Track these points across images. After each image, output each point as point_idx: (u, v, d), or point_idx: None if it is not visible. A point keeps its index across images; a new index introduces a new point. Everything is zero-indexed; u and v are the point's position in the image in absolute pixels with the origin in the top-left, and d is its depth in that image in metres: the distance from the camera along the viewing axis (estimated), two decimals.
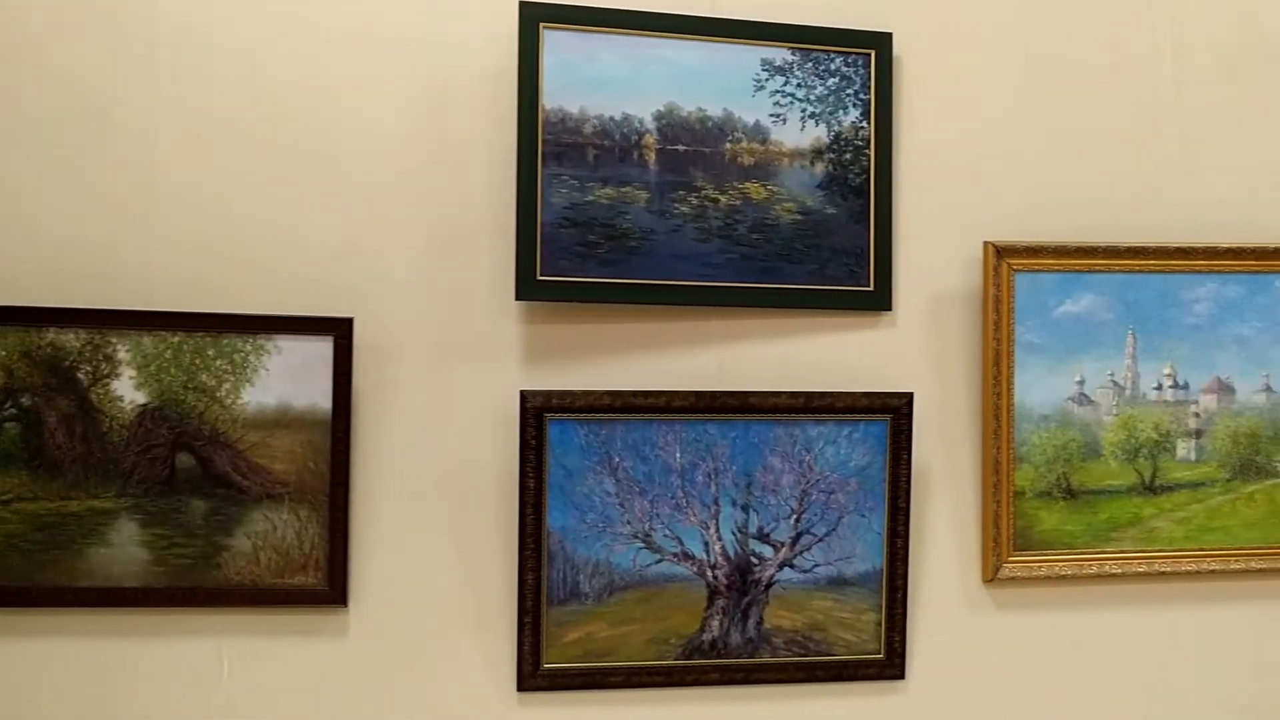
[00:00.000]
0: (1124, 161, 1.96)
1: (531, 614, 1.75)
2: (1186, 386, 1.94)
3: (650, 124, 1.80)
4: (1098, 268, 1.90)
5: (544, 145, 1.75)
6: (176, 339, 1.68)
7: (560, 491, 1.75)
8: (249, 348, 1.69)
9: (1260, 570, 1.96)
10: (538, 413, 1.73)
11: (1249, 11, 2.01)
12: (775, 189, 1.84)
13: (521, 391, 1.73)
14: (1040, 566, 1.91)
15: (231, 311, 1.70)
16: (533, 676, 1.77)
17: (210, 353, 1.69)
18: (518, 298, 1.74)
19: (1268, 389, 1.95)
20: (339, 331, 1.71)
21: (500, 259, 1.78)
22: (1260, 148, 2.00)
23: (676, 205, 1.80)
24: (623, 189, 1.78)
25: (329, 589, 1.73)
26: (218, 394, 1.69)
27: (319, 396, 1.71)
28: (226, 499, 1.69)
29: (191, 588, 1.69)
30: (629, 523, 1.77)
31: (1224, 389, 1.95)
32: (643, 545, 1.78)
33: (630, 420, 1.76)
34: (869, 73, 1.88)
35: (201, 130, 1.74)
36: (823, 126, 1.86)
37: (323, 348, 1.71)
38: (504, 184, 1.77)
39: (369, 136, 1.77)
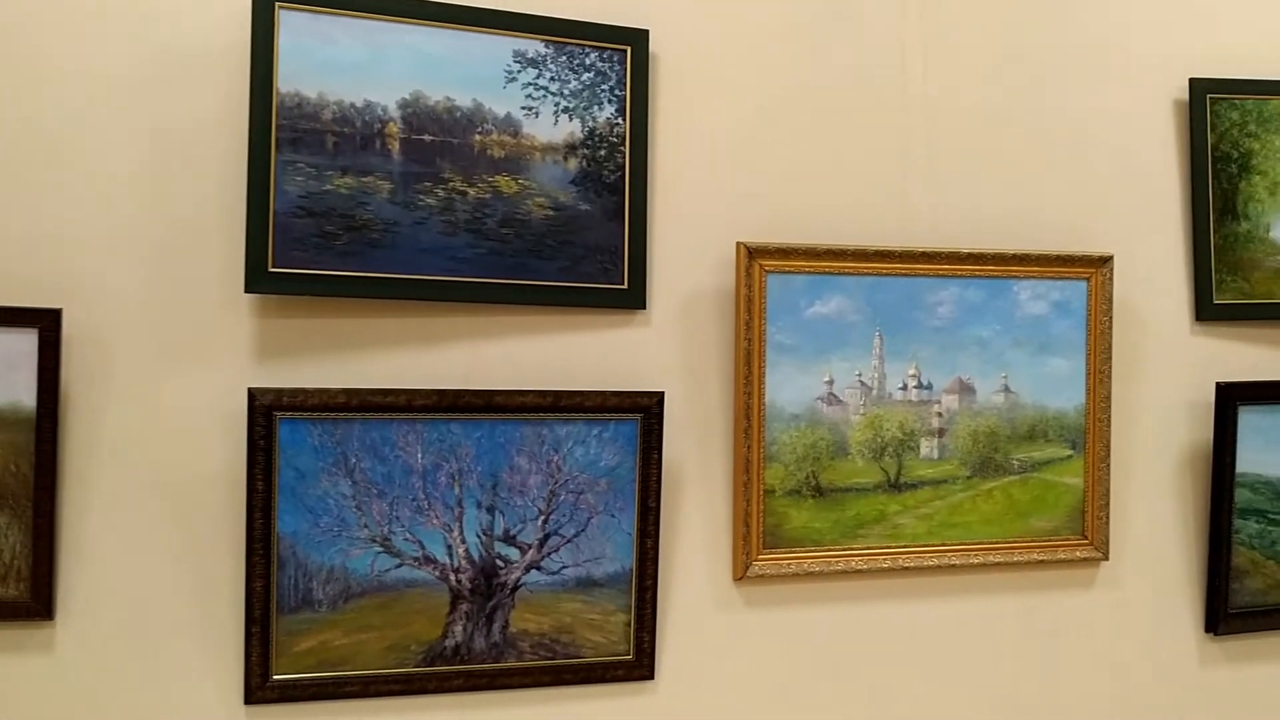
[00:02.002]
0: (874, 166, 2.00)
1: (260, 623, 1.67)
2: (930, 387, 1.99)
3: (394, 112, 1.73)
4: (847, 270, 1.93)
5: (278, 130, 1.67)
6: None
7: (292, 494, 1.67)
8: None
9: (997, 564, 2.03)
10: (267, 411, 1.64)
11: (997, 19, 2.08)
12: (527, 183, 1.80)
13: (250, 389, 1.64)
14: (789, 564, 1.93)
15: None
16: (261, 689, 1.68)
17: None
18: (247, 290, 1.65)
19: (1006, 389, 2.03)
20: (45, 324, 1.59)
21: (230, 249, 1.68)
22: (1003, 154, 2.07)
23: (422, 197, 1.74)
24: (364, 178, 1.71)
25: (32, 601, 1.60)
26: None
27: (22, 394, 1.58)
28: None
29: None
30: (367, 526, 1.70)
31: (965, 389, 2.01)
32: (381, 549, 1.71)
33: (368, 420, 1.69)
34: (625, 69, 1.85)
35: None
36: (577, 121, 1.83)
37: (26, 341, 1.58)
38: (235, 170, 1.67)
39: (83, 115, 1.65)
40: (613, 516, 1.82)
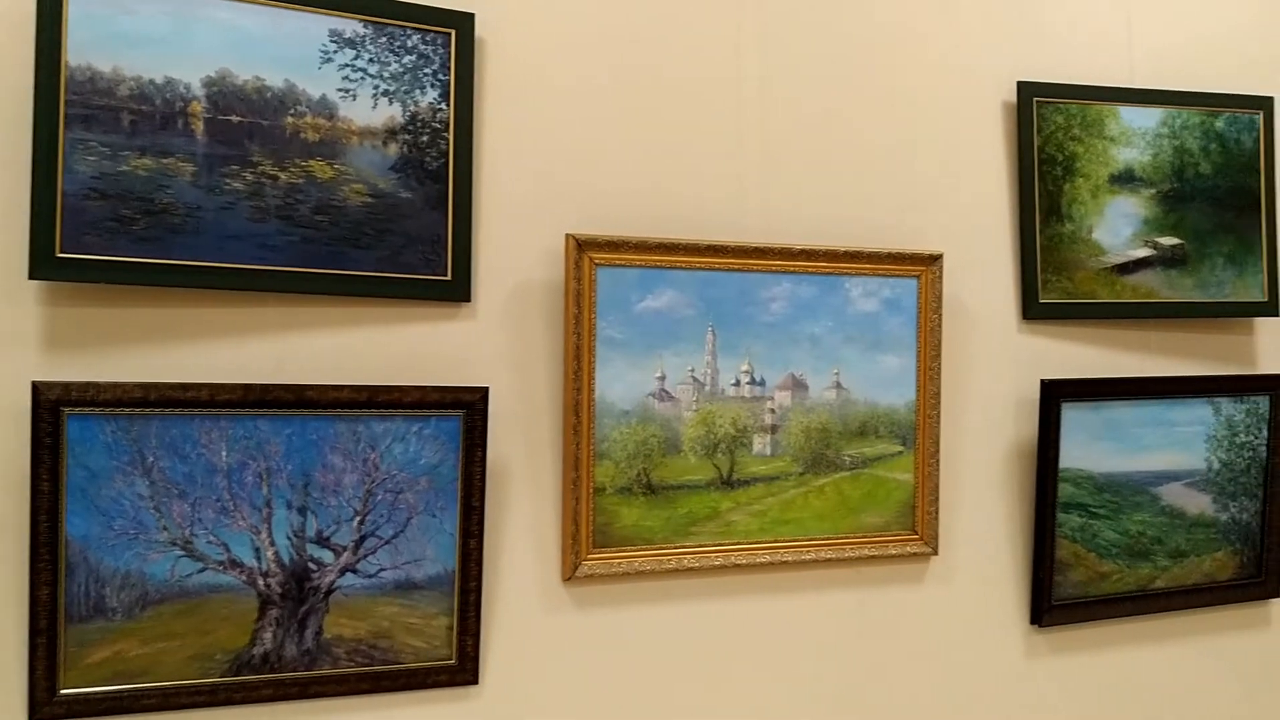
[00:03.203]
0: (707, 160, 1.99)
1: (46, 634, 1.55)
2: (763, 383, 1.98)
3: (199, 90, 1.63)
4: (679, 264, 1.91)
5: (68, 106, 1.56)
6: None
7: (82, 495, 1.56)
8: None
9: (829, 560, 2.04)
10: (53, 407, 1.53)
11: (831, 20, 2.09)
12: (343, 168, 1.72)
13: (34, 383, 1.52)
14: (620, 563, 1.89)
15: None
16: (48, 704, 1.56)
17: None
18: (31, 276, 1.54)
19: (838, 386, 2.03)
20: None
21: (12, 233, 1.56)
22: (836, 152, 2.08)
23: (229, 181, 1.65)
24: (164, 160, 1.61)
25: None
26: None
27: None
28: None
29: None
30: (166, 529, 1.60)
31: (798, 386, 2.01)
32: (182, 553, 1.62)
33: (168, 416, 1.60)
34: (449, 53, 1.79)
35: None
36: (397, 106, 1.76)
37: None
38: (18, 147, 1.55)
39: None
40: (434, 516, 1.76)
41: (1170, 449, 2.28)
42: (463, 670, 1.79)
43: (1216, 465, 2.32)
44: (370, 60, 1.74)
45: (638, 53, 1.95)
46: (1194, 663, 2.35)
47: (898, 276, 2.06)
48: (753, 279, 1.96)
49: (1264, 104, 2.37)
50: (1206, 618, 2.36)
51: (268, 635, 1.67)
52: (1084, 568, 2.21)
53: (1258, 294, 2.36)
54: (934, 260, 2.07)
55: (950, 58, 2.18)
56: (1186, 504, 2.30)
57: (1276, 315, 2.38)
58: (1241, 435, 2.33)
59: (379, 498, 1.72)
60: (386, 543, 1.73)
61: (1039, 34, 2.26)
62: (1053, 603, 2.18)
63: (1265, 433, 2.35)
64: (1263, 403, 2.34)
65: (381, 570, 1.73)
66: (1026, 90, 2.19)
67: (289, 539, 1.67)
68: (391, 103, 1.76)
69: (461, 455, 1.76)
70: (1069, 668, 2.24)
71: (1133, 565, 2.25)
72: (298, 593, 1.68)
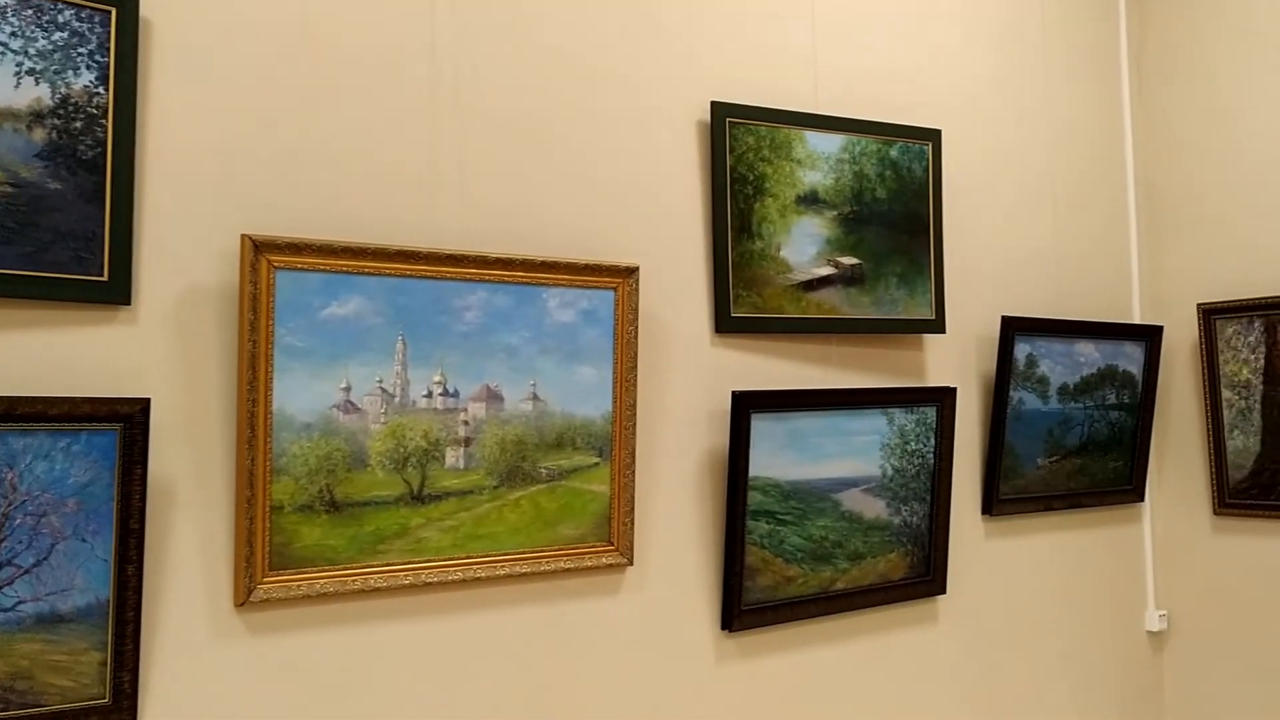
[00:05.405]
0: (400, 163, 1.92)
1: None
2: (457, 394, 1.93)
3: None
4: (367, 270, 1.83)
5: None
6: None
7: None
8: None
9: (525, 574, 2.01)
10: None
11: (529, 31, 2.07)
12: None
13: None
14: (300, 585, 1.78)
15: None
16: None
17: None
18: None
19: (534, 397, 2.01)
20: None
21: None
22: (534, 162, 2.06)
23: None
24: None
25: None
26: None
27: None
28: None
29: None
30: None
31: (493, 397, 1.97)
32: None
33: None
34: (109, 32, 1.64)
35: None
36: (45, 87, 1.59)
37: None
38: None
39: None
40: (84, 541, 1.59)
41: (849, 457, 2.40)
42: (118, 709, 1.63)
43: (890, 472, 2.47)
44: (13, 34, 1.57)
45: (325, 44, 1.86)
46: (871, 658, 2.49)
47: (595, 288, 2.07)
48: (446, 287, 1.91)
49: (933, 136, 2.56)
50: (882, 616, 2.51)
51: None
52: (771, 572, 2.29)
53: (927, 312, 2.54)
54: (631, 272, 2.09)
55: (649, 74, 2.21)
56: (864, 509, 2.43)
57: (943, 332, 2.56)
58: (912, 443, 2.50)
59: (18, 522, 1.54)
60: (26, 572, 1.55)
61: (734, 56, 2.34)
62: (742, 608, 2.25)
63: (933, 441, 2.52)
64: (931, 413, 2.51)
65: (20, 603, 1.55)
66: (720, 110, 2.26)
67: None
68: (38, 83, 1.58)
69: (118, 473, 1.61)
70: (757, 670, 2.32)
71: (816, 569, 2.36)
72: None
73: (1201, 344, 2.96)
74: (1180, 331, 3.04)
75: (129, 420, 1.61)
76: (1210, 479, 2.99)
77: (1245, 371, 2.88)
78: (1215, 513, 2.99)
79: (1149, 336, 2.99)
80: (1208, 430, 2.97)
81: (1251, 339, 2.85)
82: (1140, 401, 3.00)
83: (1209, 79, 3.02)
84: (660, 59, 2.23)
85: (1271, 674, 2.87)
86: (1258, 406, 2.86)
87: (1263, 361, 2.84)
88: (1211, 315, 2.94)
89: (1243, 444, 2.90)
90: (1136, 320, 3.08)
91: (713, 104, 2.26)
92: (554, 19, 2.10)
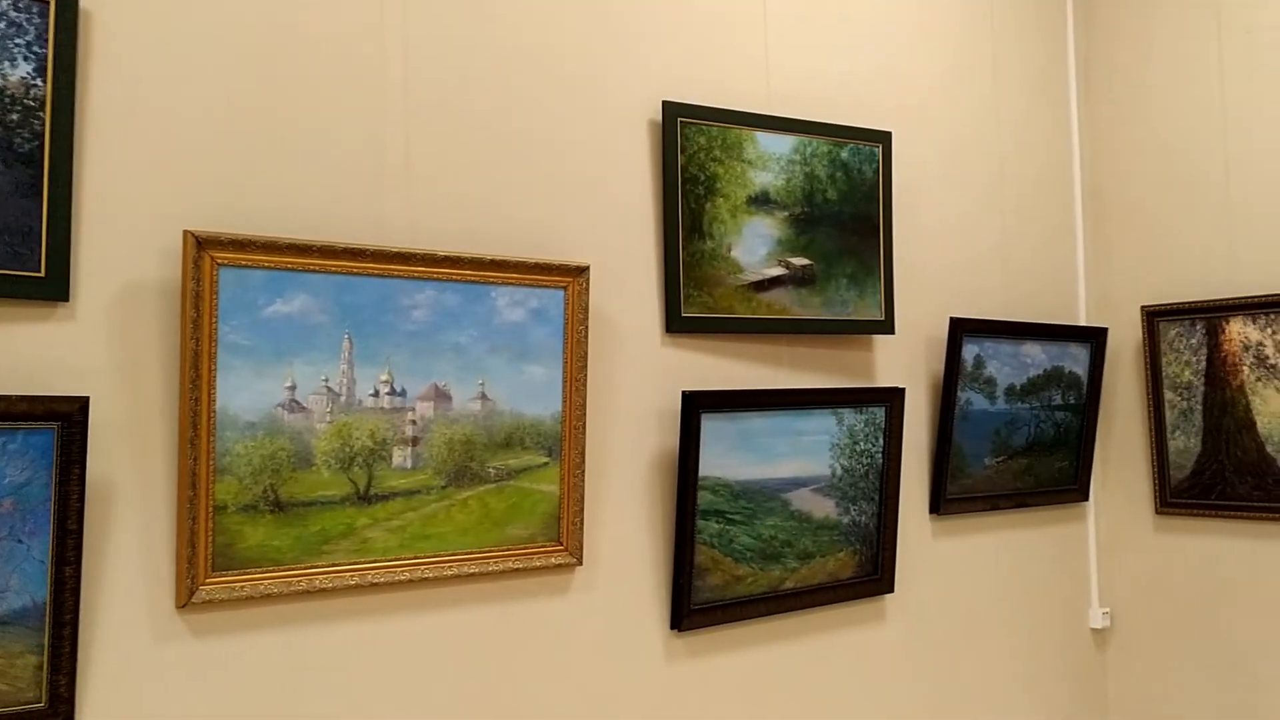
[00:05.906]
0: (347, 159, 1.90)
1: None
2: (404, 393, 1.91)
3: None
4: (313, 267, 1.81)
5: None
6: None
7: None
8: None
9: (473, 575, 2.00)
10: None
11: (479, 29, 2.06)
12: None
13: None
14: (243, 586, 1.76)
15: None
16: None
17: None
18: None
19: (483, 397, 2.00)
20: None
21: None
22: (484, 159, 2.05)
23: None
24: None
25: None
26: None
27: None
28: None
29: None
30: None
31: (441, 396, 1.95)
32: None
33: None
34: (47, 23, 1.61)
35: None
36: None
37: None
38: None
39: None
40: (20, 542, 1.56)
41: (799, 457, 2.41)
42: (54, 714, 1.60)
43: (839, 471, 2.48)
44: None
45: (271, 37, 1.83)
46: (820, 657, 2.51)
47: (545, 287, 2.06)
48: (394, 285, 1.89)
49: (884, 138, 2.58)
50: (831, 614, 2.52)
51: None
52: (721, 572, 2.30)
53: (876, 313, 2.56)
54: (581, 272, 2.09)
55: (601, 72, 2.21)
56: (813, 508, 2.45)
57: (892, 333, 2.59)
58: (861, 443, 2.51)
59: None
60: None
61: (686, 55, 2.34)
62: (692, 607, 2.25)
63: (882, 441, 2.54)
64: (879, 413, 2.53)
65: None
66: (671, 110, 2.26)
67: None
68: None
69: (56, 473, 1.58)
70: (707, 669, 2.32)
71: (765, 568, 2.37)
72: None
73: (1145, 346, 3.01)
74: (1124, 333, 3.08)
75: (67, 419, 1.58)
76: (1152, 479, 3.03)
77: (1187, 373, 2.93)
78: (1157, 512, 3.04)
79: (1094, 338, 3.03)
80: (1150, 431, 3.02)
81: (1194, 341, 2.90)
82: (1085, 402, 3.04)
83: (1151, 93, 3.07)
84: (612, 58, 2.23)
85: (1211, 669, 2.93)
86: (1199, 407, 2.91)
87: (1204, 363, 2.89)
88: (1155, 317, 2.98)
89: (1184, 444, 2.95)
90: (1082, 322, 3.13)
91: (664, 104, 2.26)
92: (504, 15, 2.09)
